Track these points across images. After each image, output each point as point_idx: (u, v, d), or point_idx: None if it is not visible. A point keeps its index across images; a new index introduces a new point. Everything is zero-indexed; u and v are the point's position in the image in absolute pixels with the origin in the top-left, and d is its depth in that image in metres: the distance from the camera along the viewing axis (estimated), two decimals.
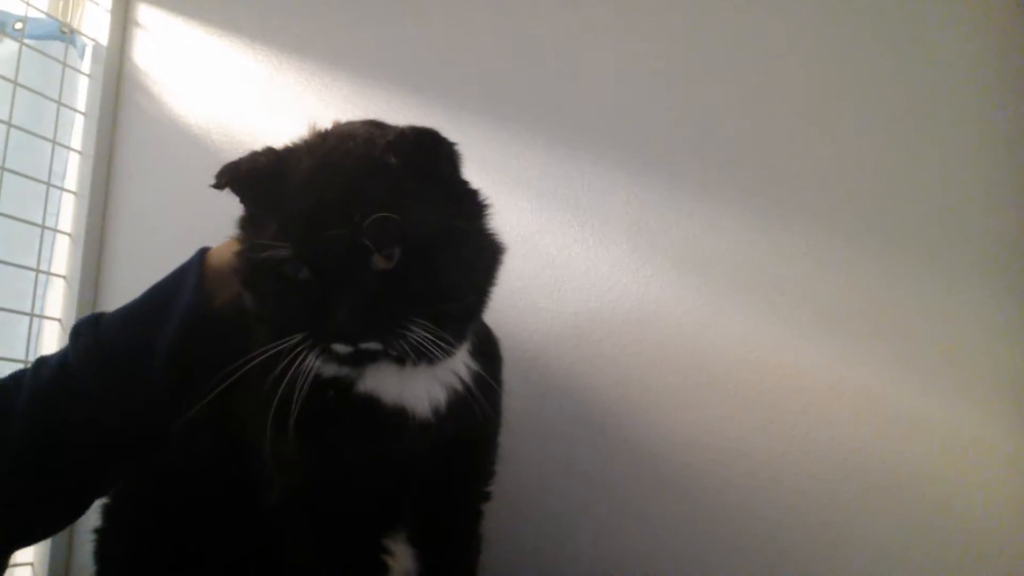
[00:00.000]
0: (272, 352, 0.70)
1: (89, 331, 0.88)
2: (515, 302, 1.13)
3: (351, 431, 0.75)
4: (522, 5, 1.25)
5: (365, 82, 1.38)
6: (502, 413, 0.88)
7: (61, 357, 0.87)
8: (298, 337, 0.69)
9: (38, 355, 1.54)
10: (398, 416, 0.75)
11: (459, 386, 0.79)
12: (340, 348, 0.69)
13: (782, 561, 0.94)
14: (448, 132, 0.73)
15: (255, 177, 0.74)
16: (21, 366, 1.49)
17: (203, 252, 0.92)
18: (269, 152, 0.76)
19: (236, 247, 0.87)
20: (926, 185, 0.93)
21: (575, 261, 1.11)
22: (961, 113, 0.93)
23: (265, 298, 0.75)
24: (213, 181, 0.75)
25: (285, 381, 0.69)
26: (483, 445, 0.87)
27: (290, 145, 0.77)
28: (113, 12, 1.71)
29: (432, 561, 0.82)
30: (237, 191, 0.77)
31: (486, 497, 0.89)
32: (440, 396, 0.77)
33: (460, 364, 0.79)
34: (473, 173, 0.80)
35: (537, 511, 1.07)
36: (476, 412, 0.78)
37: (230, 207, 0.80)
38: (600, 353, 1.07)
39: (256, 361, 0.73)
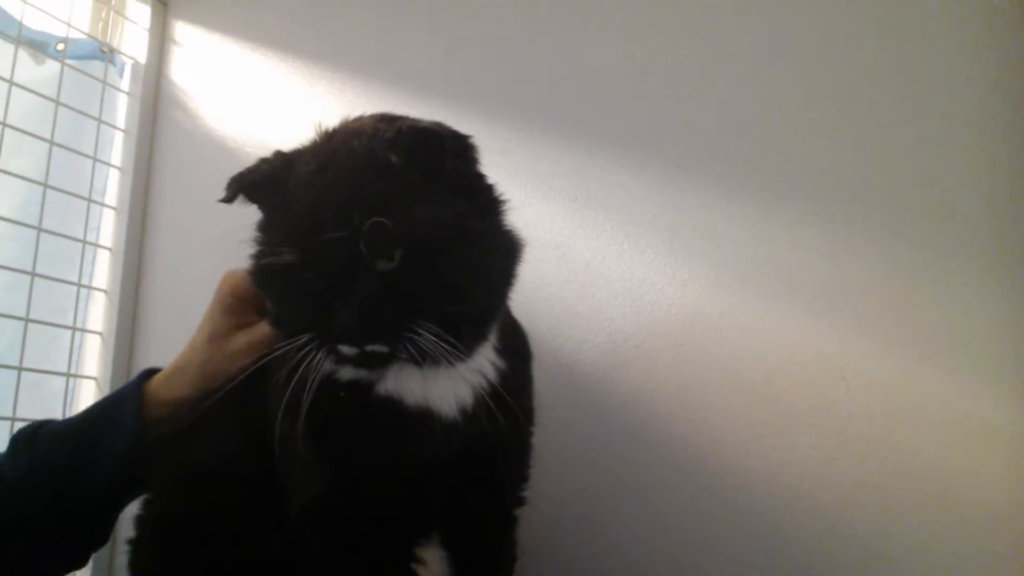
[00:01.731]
0: (285, 352, 0.70)
1: (25, 450, 0.87)
2: (549, 307, 1.11)
3: (372, 434, 0.73)
4: (554, 10, 1.24)
5: (396, 90, 1.38)
6: (535, 411, 0.86)
7: None
8: (306, 337, 0.69)
9: (81, 368, 1.59)
10: (423, 417, 0.73)
11: (486, 385, 0.76)
12: (346, 350, 0.68)
13: (828, 572, 0.90)
14: (480, 138, 0.72)
15: (262, 184, 0.74)
16: (63, 380, 1.53)
17: (142, 380, 0.90)
18: (276, 157, 0.76)
19: (184, 364, 0.89)
20: (954, 181, 0.90)
21: (610, 265, 1.09)
22: (965, 109, 0.90)
23: (276, 299, 0.75)
24: (223, 195, 0.76)
25: (294, 381, 0.69)
26: (514, 447, 0.84)
27: (299, 147, 0.77)
28: (151, 31, 1.75)
29: (465, 571, 0.80)
30: (251, 199, 0.77)
31: (520, 502, 0.87)
32: (467, 395, 0.75)
33: (486, 363, 0.77)
34: (505, 179, 0.78)
35: (573, 518, 1.05)
36: (505, 411, 0.76)
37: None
38: (636, 358, 1.05)
39: (274, 363, 0.73)
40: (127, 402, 0.87)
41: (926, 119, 0.93)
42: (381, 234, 0.65)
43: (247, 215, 1.50)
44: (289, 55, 1.57)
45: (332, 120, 1.46)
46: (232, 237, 1.54)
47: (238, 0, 1.70)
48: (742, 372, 0.97)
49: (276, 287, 0.74)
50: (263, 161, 0.77)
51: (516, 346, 0.83)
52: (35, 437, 0.87)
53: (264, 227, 0.77)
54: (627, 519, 1.02)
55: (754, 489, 0.95)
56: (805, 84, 1.00)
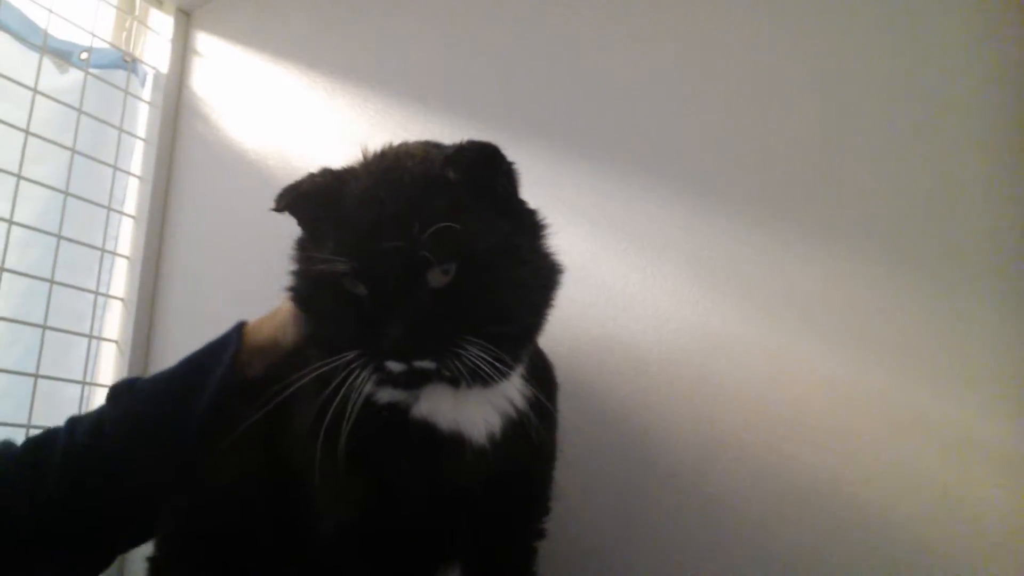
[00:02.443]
0: (325, 372, 0.70)
1: (124, 398, 0.92)
2: (569, 331, 1.10)
3: (408, 458, 0.73)
4: (579, 33, 1.24)
5: (418, 107, 1.38)
6: (557, 444, 0.85)
7: (95, 420, 0.90)
8: (351, 355, 0.68)
9: (96, 376, 1.59)
10: (454, 442, 0.73)
11: (513, 413, 0.76)
12: (394, 366, 0.67)
13: None
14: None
15: (313, 197, 0.74)
16: (79, 388, 1.53)
17: (241, 326, 0.96)
18: (326, 172, 0.77)
19: (275, 319, 0.94)
20: (971, 221, 0.88)
21: (631, 290, 1.08)
22: (976, 150, 0.89)
23: (320, 315, 0.75)
24: (272, 206, 0.75)
25: (337, 400, 0.68)
26: (538, 476, 0.84)
27: (347, 166, 0.77)
28: (173, 41, 1.77)
29: None
30: (295, 213, 0.77)
31: (541, 534, 0.86)
32: (495, 422, 0.75)
33: (514, 390, 0.77)
34: (528, 199, 0.79)
35: (591, 546, 1.03)
36: (531, 440, 0.76)
37: (284, 230, 0.81)
38: (657, 386, 1.03)
39: (308, 383, 0.73)
40: (228, 346, 0.93)
41: (941, 157, 0.91)
42: (444, 239, 0.66)
43: (265, 227, 1.50)
44: (311, 68, 1.57)
45: (354, 133, 1.46)
46: (250, 248, 1.54)
47: (261, 12, 1.70)
48: (766, 403, 0.96)
49: (321, 302, 0.73)
50: (312, 175, 0.77)
51: (542, 375, 0.83)
52: (133, 385, 0.94)
53: (308, 242, 0.77)
54: (645, 548, 1.01)
55: (778, 523, 0.93)
56: (830, 117, 0.99)
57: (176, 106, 1.75)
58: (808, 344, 0.95)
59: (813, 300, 0.96)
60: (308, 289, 0.75)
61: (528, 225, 0.77)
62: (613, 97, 1.18)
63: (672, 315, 1.04)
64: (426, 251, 0.65)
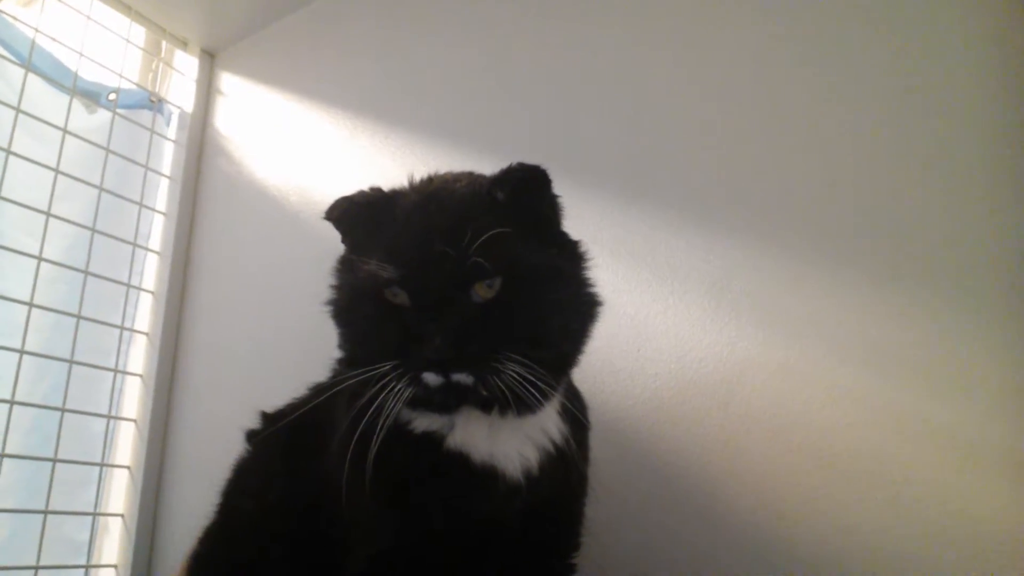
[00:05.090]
0: (358, 386, 0.70)
1: None
2: (591, 362, 1.09)
3: (440, 490, 0.73)
4: (597, 66, 1.26)
5: (438, 143, 1.40)
6: (589, 481, 0.85)
7: None
8: (388, 366, 0.68)
9: (120, 410, 1.60)
10: (488, 475, 0.73)
11: (551, 448, 0.76)
12: (431, 379, 0.68)
13: None
14: None
15: (365, 209, 0.77)
16: (103, 421, 1.55)
17: None
18: (377, 189, 0.80)
19: None
20: (986, 252, 0.89)
21: (654, 321, 1.09)
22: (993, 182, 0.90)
23: (359, 326, 0.75)
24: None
25: (368, 415, 0.68)
26: (571, 512, 0.83)
27: (396, 187, 0.80)
28: (198, 81, 1.81)
29: None
30: (343, 225, 0.80)
31: (572, 569, 0.85)
32: (531, 456, 0.75)
33: (550, 423, 0.77)
34: None
35: None
36: (567, 475, 0.76)
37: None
38: (682, 417, 1.03)
39: (342, 404, 0.73)
40: None
41: (952, 184, 0.92)
42: (495, 248, 0.67)
43: (288, 262, 1.52)
44: (332, 106, 1.60)
45: (375, 170, 1.48)
46: (273, 282, 1.56)
47: (283, 53, 1.74)
48: (793, 433, 0.95)
49: (362, 312, 0.74)
50: (363, 191, 0.79)
51: (578, 414, 0.83)
52: None
53: (352, 255, 0.78)
54: None
55: (804, 556, 0.92)
56: (850, 146, 1.00)
57: (200, 144, 1.79)
58: (834, 369, 0.95)
59: (836, 326, 0.96)
60: (349, 300, 0.76)
61: (571, 253, 0.79)
62: (632, 130, 1.19)
63: (695, 344, 1.04)
64: (477, 257, 0.67)
